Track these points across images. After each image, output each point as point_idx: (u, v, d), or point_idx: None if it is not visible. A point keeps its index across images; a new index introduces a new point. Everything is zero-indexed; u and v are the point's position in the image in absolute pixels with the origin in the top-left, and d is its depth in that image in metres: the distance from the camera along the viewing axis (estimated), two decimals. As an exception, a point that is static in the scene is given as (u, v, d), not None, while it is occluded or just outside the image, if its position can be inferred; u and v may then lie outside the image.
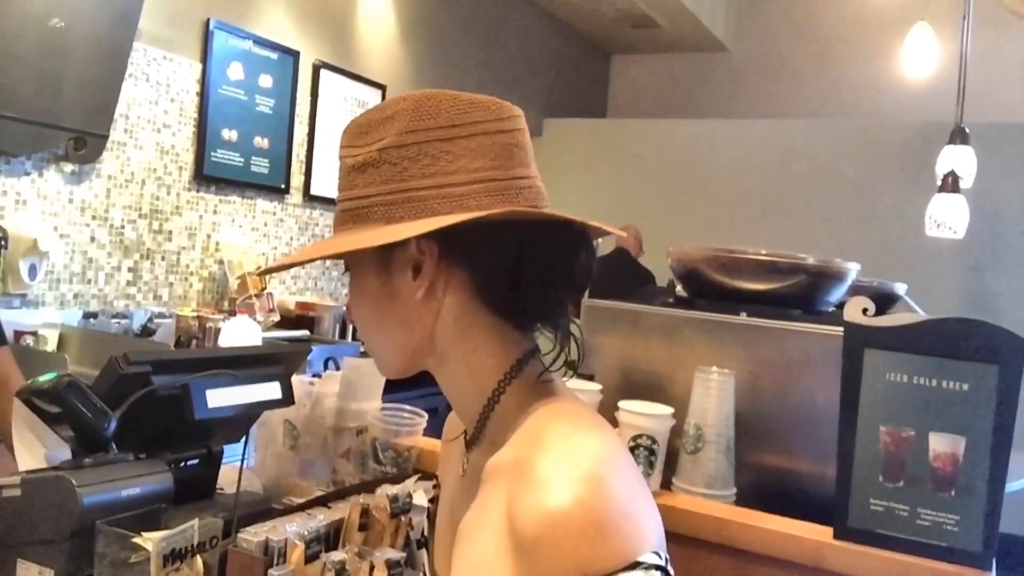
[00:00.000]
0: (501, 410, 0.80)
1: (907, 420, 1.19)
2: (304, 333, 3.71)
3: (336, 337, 3.83)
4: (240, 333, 3.19)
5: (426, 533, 0.95)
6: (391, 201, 0.76)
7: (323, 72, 4.11)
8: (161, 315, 3.24)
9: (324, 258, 0.82)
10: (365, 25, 4.42)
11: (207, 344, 3.11)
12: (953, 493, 1.16)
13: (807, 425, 1.46)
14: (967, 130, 3.53)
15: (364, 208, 0.78)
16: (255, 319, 3.43)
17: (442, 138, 0.76)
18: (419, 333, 0.81)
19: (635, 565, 0.66)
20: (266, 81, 3.79)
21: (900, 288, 2.29)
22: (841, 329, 1.29)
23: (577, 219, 0.78)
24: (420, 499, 1.24)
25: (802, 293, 1.65)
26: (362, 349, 3.82)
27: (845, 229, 5.01)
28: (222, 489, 1.42)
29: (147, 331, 3.11)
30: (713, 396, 1.43)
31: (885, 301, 2.14)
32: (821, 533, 1.21)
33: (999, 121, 4.66)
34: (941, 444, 1.17)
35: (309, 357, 2.05)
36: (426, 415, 1.47)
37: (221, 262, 3.66)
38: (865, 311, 1.24)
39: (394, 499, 1.16)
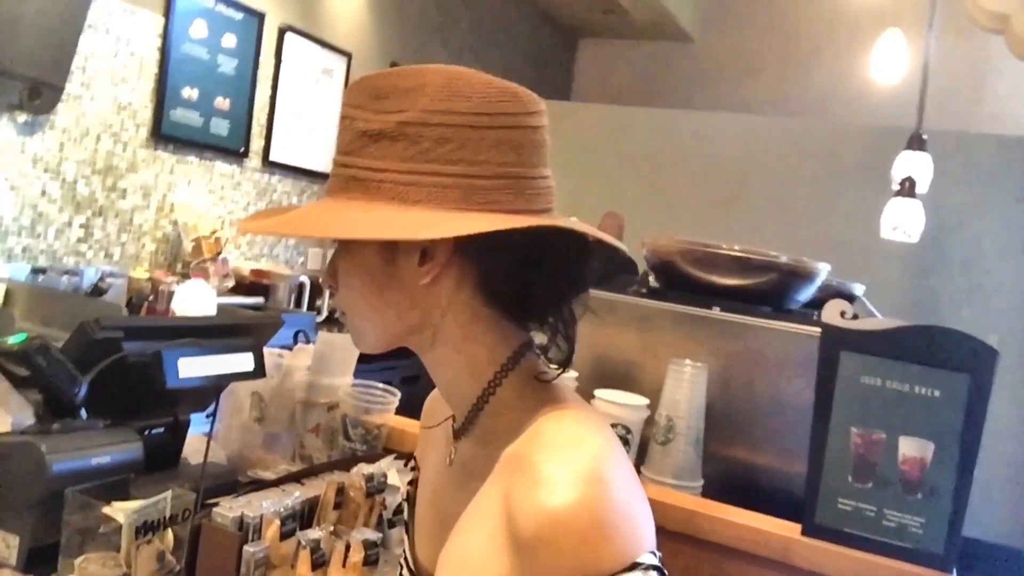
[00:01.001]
0: (496, 402, 0.79)
1: (878, 423, 1.21)
2: (259, 300, 3.64)
3: (291, 306, 3.77)
4: (194, 297, 3.11)
5: (406, 517, 0.94)
6: (409, 181, 0.72)
7: (288, 35, 4.02)
8: (112, 274, 3.15)
9: (335, 237, 0.77)
10: (334, -10, 4.33)
11: (159, 307, 3.03)
12: (919, 496, 1.18)
13: (775, 421, 1.48)
14: (925, 137, 3.60)
15: (377, 181, 0.73)
16: (209, 284, 3.36)
17: (472, 124, 0.73)
18: (414, 317, 0.78)
19: (634, 566, 0.65)
20: (229, 41, 3.69)
21: (858, 289, 2.34)
22: (813, 328, 1.30)
23: (598, 235, 0.76)
24: (394, 479, 1.23)
25: (772, 290, 1.67)
26: (318, 319, 3.79)
27: (803, 227, 5.09)
28: (186, 459, 1.39)
29: (98, 290, 3.02)
30: (685, 388, 1.44)
31: (843, 300, 2.19)
32: (789, 529, 1.23)
33: (954, 129, 4.77)
34: (910, 448, 1.19)
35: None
36: (399, 393, 1.46)
37: (176, 223, 3.57)
38: (843, 314, 1.25)
39: (369, 478, 1.15)
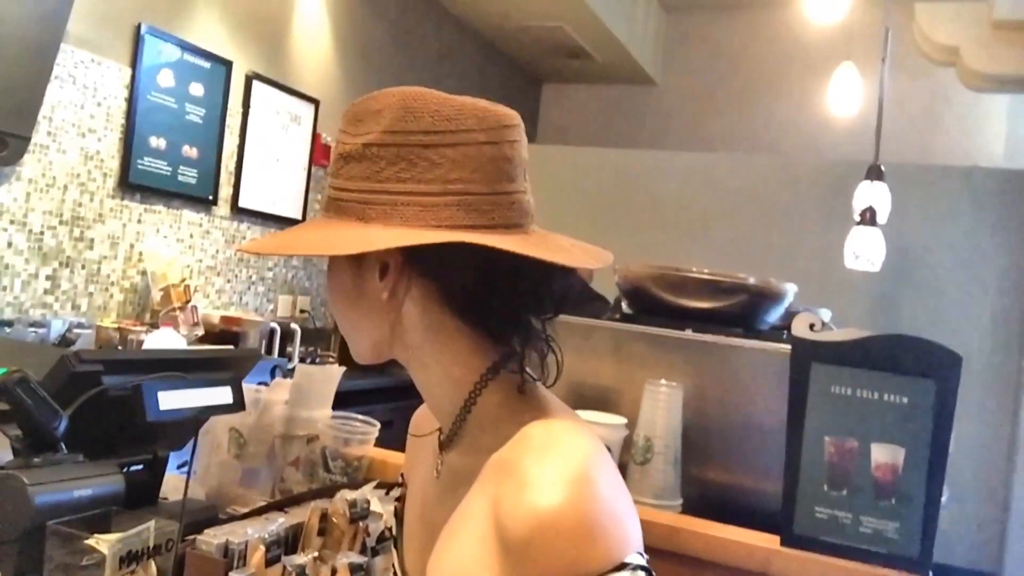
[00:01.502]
0: (479, 412, 0.80)
1: (851, 431, 1.24)
2: (229, 348, 3.61)
3: (262, 353, 3.75)
4: (163, 346, 3.09)
5: (394, 532, 0.94)
6: (365, 200, 0.76)
7: (256, 83, 4.05)
8: (80, 325, 3.13)
9: (302, 255, 0.82)
10: (299, 38, 4.38)
11: (129, 356, 3.00)
12: (893, 501, 1.21)
13: (750, 438, 1.51)
14: (883, 168, 3.70)
15: (343, 200, 0.78)
16: (179, 332, 3.34)
17: (423, 143, 0.75)
18: (385, 330, 0.81)
19: (622, 566, 0.66)
20: (197, 90, 3.71)
21: (825, 314, 2.38)
22: (784, 347, 1.34)
23: (532, 255, 0.74)
24: (377, 506, 1.23)
25: (743, 312, 1.71)
26: (290, 367, 3.77)
27: (768, 260, 5.17)
28: (166, 498, 1.38)
29: (66, 341, 2.99)
30: (661, 409, 1.46)
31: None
32: (769, 541, 1.25)
33: (910, 161, 4.91)
34: (882, 454, 1.22)
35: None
36: (378, 425, 1.46)
37: (144, 273, 3.55)
38: (812, 327, 1.29)
39: (353, 504, 1.15)
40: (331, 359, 4.43)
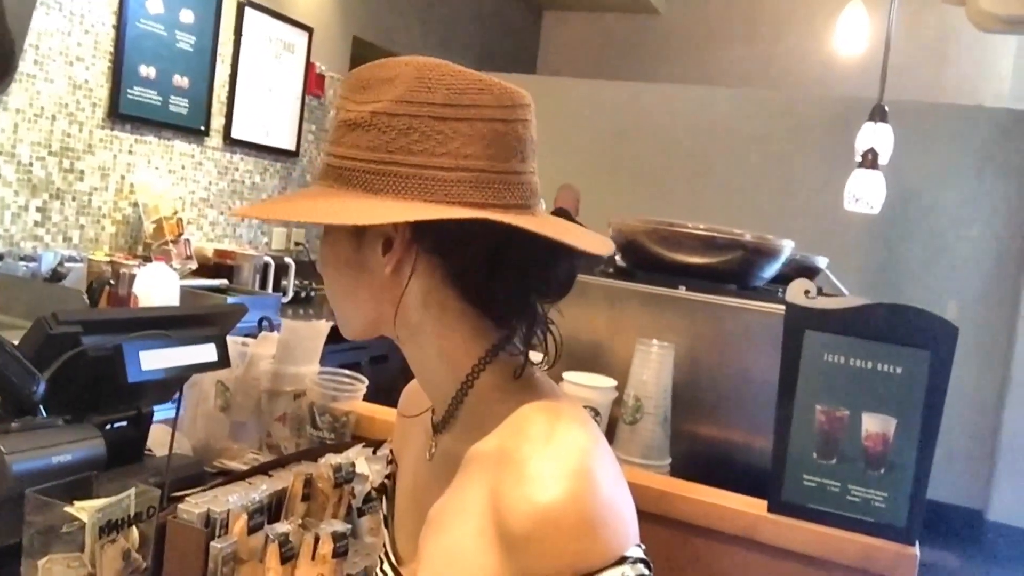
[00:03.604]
0: (475, 395, 0.78)
1: (842, 400, 1.23)
2: (223, 282, 3.60)
3: (256, 287, 3.73)
4: (156, 280, 3.07)
5: (384, 511, 0.93)
6: (373, 171, 0.73)
7: (248, 10, 3.94)
8: (72, 259, 3.10)
9: (300, 222, 0.79)
10: (293, -37, 4.25)
11: (121, 291, 2.98)
12: (882, 471, 1.20)
13: (741, 398, 1.50)
14: (886, 108, 3.63)
15: (347, 170, 0.74)
16: (171, 266, 3.31)
17: (436, 116, 0.72)
18: (385, 305, 0.79)
19: (622, 560, 0.66)
20: (187, 16, 3.61)
21: (821, 261, 2.36)
22: (778, 306, 1.31)
23: (549, 236, 0.73)
24: (363, 467, 1.22)
25: (738, 269, 1.68)
26: (284, 300, 3.75)
27: (767, 199, 5.13)
28: (150, 451, 1.38)
29: (57, 275, 2.97)
30: (652, 368, 1.45)
31: (807, 274, 2.21)
32: (755, 506, 1.25)
33: (914, 99, 4.82)
34: (873, 424, 1.21)
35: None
36: (366, 380, 1.45)
37: (136, 205, 3.51)
38: (807, 293, 1.26)
39: (337, 468, 1.14)
40: (324, 292, 4.42)
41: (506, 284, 0.76)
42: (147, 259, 3.30)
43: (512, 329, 0.79)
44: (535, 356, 0.81)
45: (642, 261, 1.68)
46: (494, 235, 0.72)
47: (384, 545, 0.88)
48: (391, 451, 0.99)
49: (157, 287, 3.03)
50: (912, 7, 4.21)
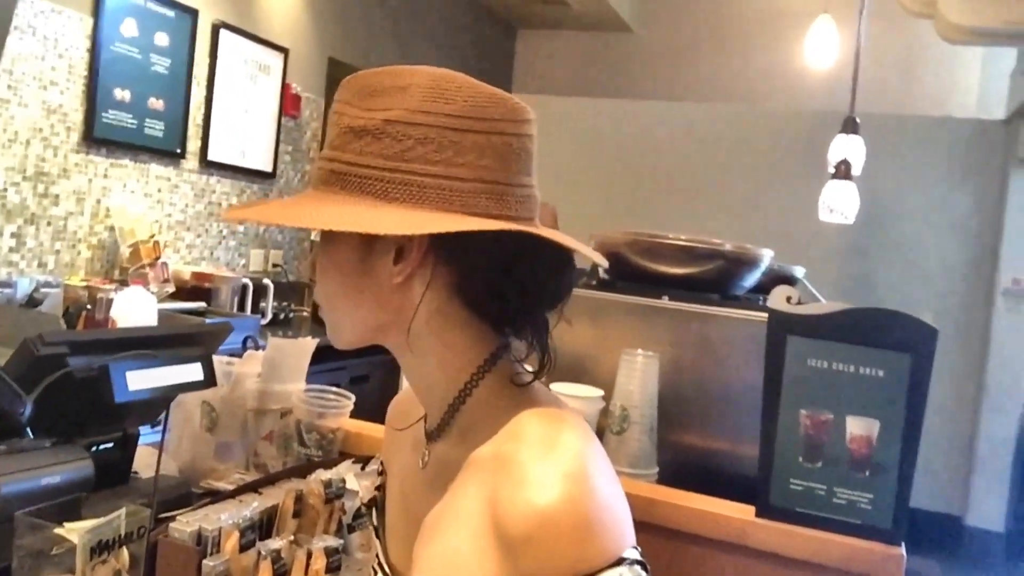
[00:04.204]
0: (472, 404, 0.78)
1: (826, 404, 1.24)
2: (201, 305, 3.57)
3: (234, 310, 3.71)
4: (134, 305, 3.04)
5: (375, 522, 0.93)
6: (389, 179, 0.73)
7: (223, 32, 3.94)
8: (48, 284, 3.07)
9: (306, 227, 0.78)
10: (267, -14, 4.26)
11: (98, 315, 2.96)
12: (867, 473, 1.22)
13: (726, 406, 1.51)
14: (858, 120, 3.69)
15: (357, 177, 0.74)
16: (149, 290, 3.28)
17: (453, 127, 0.73)
18: (387, 315, 0.78)
19: (620, 561, 0.67)
20: (162, 39, 3.60)
21: (799, 271, 2.39)
22: (759, 314, 1.33)
23: (571, 245, 0.76)
24: (352, 483, 1.22)
25: (718, 278, 1.70)
26: (263, 322, 3.73)
27: (743, 212, 5.18)
28: (136, 473, 1.37)
29: (33, 301, 2.94)
30: (638, 378, 1.46)
31: (785, 283, 2.24)
32: (744, 512, 1.26)
33: (884, 111, 4.90)
34: (857, 427, 1.23)
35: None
36: (353, 397, 1.45)
37: (112, 229, 3.48)
38: (788, 299, 1.28)
39: (328, 484, 1.14)
40: (305, 313, 4.40)
41: (514, 294, 0.77)
42: (124, 283, 3.28)
43: (510, 337, 0.80)
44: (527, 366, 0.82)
45: (624, 272, 1.70)
46: (507, 246, 0.74)
47: (377, 556, 0.88)
48: (381, 463, 0.99)
49: (135, 311, 3.01)
50: (880, 20, 4.29)
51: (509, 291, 0.77)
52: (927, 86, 5.55)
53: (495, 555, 0.68)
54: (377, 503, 0.95)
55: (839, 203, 3.53)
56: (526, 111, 0.78)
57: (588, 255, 0.79)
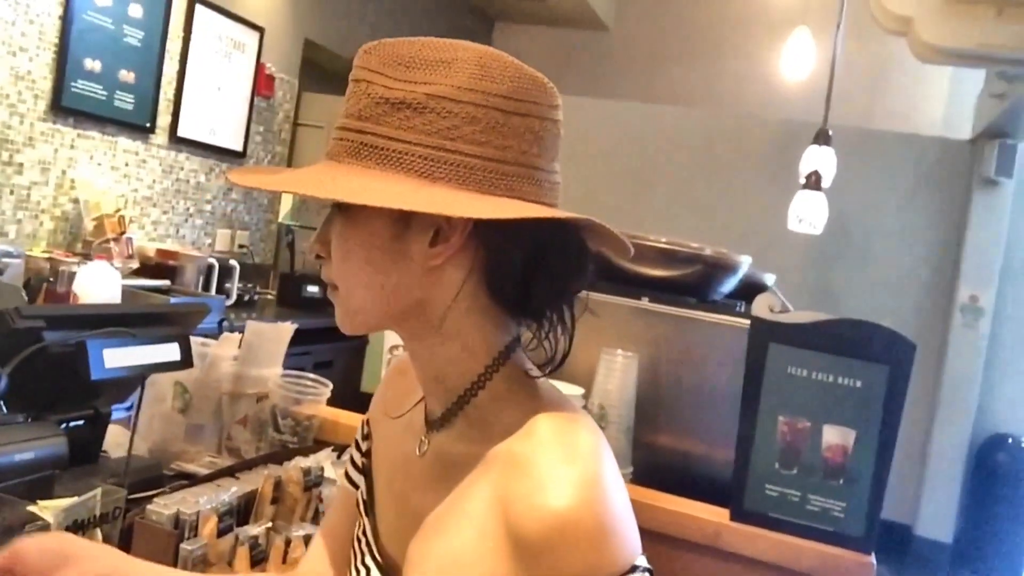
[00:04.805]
0: (485, 397, 0.76)
1: (804, 412, 1.26)
2: (165, 283, 3.51)
3: (199, 289, 3.65)
4: (97, 280, 2.98)
5: (364, 495, 0.89)
6: (433, 157, 0.69)
7: (198, 7, 3.87)
8: (8, 254, 2.98)
9: (360, 203, 0.69)
10: (246, -38, 4.19)
11: (60, 289, 2.89)
12: (841, 482, 1.24)
13: (701, 408, 1.52)
14: (830, 132, 3.74)
15: (397, 152, 0.70)
16: (112, 265, 3.22)
17: (501, 108, 0.71)
18: (413, 300, 0.75)
19: (633, 569, 0.66)
20: (136, 11, 3.53)
21: (770, 279, 2.41)
22: (738, 320, 1.34)
23: (618, 234, 0.76)
24: (331, 472, 1.21)
25: (697, 282, 1.71)
26: (228, 303, 3.68)
27: (713, 217, 5.22)
28: (105, 452, 1.34)
29: (-8, 271, 2.86)
30: (617, 377, 1.46)
31: (758, 290, 2.26)
32: (718, 514, 1.27)
33: (853, 124, 4.97)
34: (833, 436, 1.25)
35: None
36: (330, 384, 1.43)
37: (76, 201, 3.40)
38: (771, 308, 1.29)
39: (307, 472, 1.13)
40: (269, 296, 4.35)
41: (543, 283, 0.75)
42: (87, 257, 3.21)
43: (529, 326, 0.78)
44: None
45: (605, 272, 1.70)
46: (543, 233, 0.72)
47: (365, 534, 0.85)
48: (366, 423, 0.95)
49: (98, 286, 2.94)
50: (854, 35, 4.36)
51: (539, 279, 0.74)
52: (895, 103, 5.65)
53: (505, 557, 0.66)
54: (366, 472, 0.91)
55: (808, 213, 3.58)
56: (558, 95, 0.76)
57: (623, 243, 0.78)
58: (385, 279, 0.74)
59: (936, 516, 4.90)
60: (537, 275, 0.74)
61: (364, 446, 0.95)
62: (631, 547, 0.67)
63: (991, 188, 4.88)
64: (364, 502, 0.89)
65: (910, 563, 4.80)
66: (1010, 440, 4.90)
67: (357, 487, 0.92)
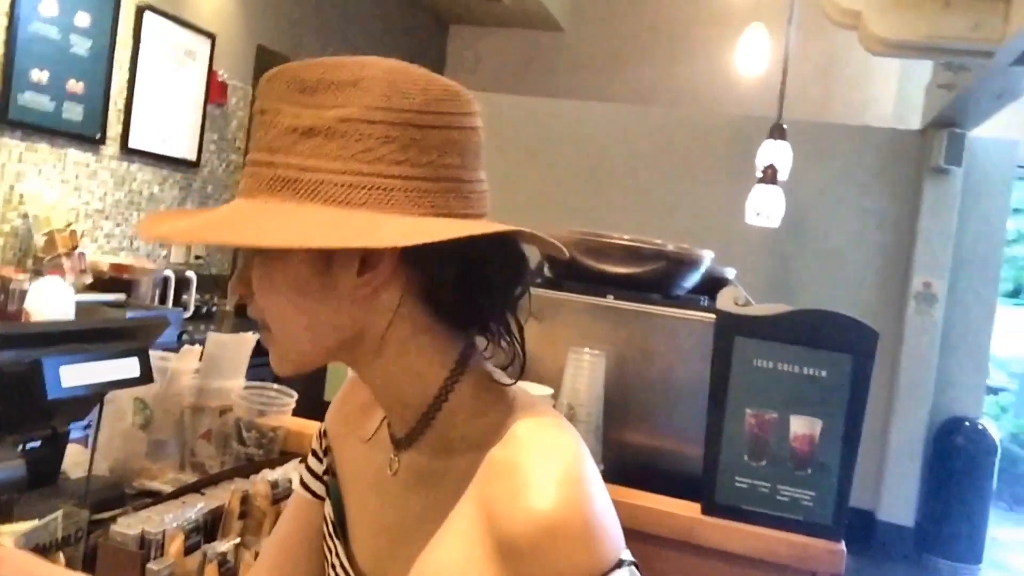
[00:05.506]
0: (449, 410, 0.74)
1: (771, 403, 1.27)
2: (120, 297, 3.44)
3: (155, 302, 3.59)
4: (49, 296, 2.91)
5: (332, 516, 0.87)
6: (350, 183, 0.67)
7: (147, 15, 3.80)
8: (-45, 273, 2.90)
9: (273, 247, 0.67)
10: (194, -31, 4.13)
11: (11, 307, 2.82)
12: (809, 471, 1.25)
13: (670, 404, 1.53)
14: (785, 126, 3.79)
15: (312, 183, 0.67)
16: (65, 280, 3.15)
17: (415, 124, 0.68)
18: (349, 332, 0.72)
19: (620, 564, 0.66)
20: (83, 20, 3.45)
21: (730, 272, 2.43)
22: (702, 314, 1.35)
23: (550, 240, 0.74)
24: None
25: (661, 278, 1.72)
26: (186, 315, 3.62)
27: (672, 214, 5.26)
28: (63, 472, 1.30)
29: (-61, 291, 2.78)
30: (585, 376, 1.46)
31: (719, 284, 2.28)
32: (690, 509, 1.27)
33: (806, 119, 5.04)
34: (800, 426, 1.26)
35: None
36: (295, 394, 1.41)
37: (26, 216, 3.32)
38: (736, 301, 1.30)
39: (275, 485, 1.11)
40: (227, 308, 4.29)
41: (483, 294, 0.74)
42: (38, 273, 3.13)
43: (475, 337, 0.77)
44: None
45: (570, 271, 1.70)
46: (477, 245, 0.69)
47: (339, 557, 0.83)
48: (323, 434, 0.92)
49: (50, 303, 2.88)
50: (805, 30, 4.41)
51: (478, 292, 0.73)
52: (847, 96, 5.74)
53: (493, 563, 0.66)
54: (331, 491, 0.88)
55: (766, 207, 3.62)
56: (473, 101, 0.74)
57: (557, 247, 0.76)
58: (315, 317, 0.72)
59: (898, 501, 4.99)
60: (475, 288, 0.73)
61: (325, 461, 0.92)
62: (616, 543, 0.67)
63: (941, 177, 4.98)
64: (334, 524, 0.86)
65: (874, 548, 4.88)
66: (967, 423, 5.00)
67: (318, 497, 0.90)
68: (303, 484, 0.93)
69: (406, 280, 0.72)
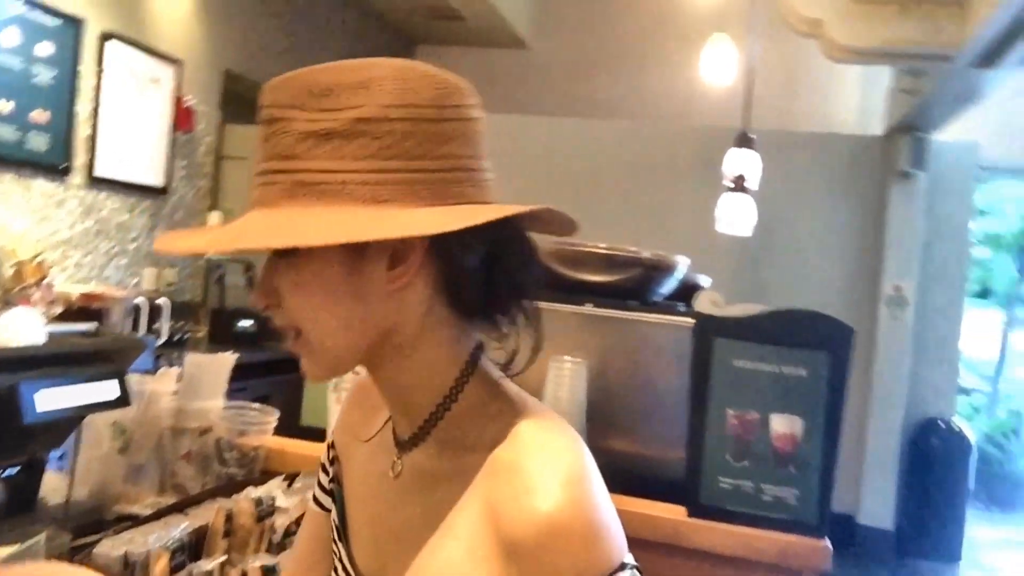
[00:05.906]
0: (459, 410, 0.74)
1: (752, 403, 1.28)
2: (91, 326, 3.39)
3: (128, 331, 3.54)
4: (19, 325, 2.86)
5: (336, 520, 0.86)
6: (376, 180, 0.68)
7: (111, 43, 3.78)
8: (-79, 307, 2.85)
9: (309, 245, 0.67)
10: (158, -5, 4.11)
11: (-20, 339, 2.77)
12: (792, 469, 1.26)
13: (651, 409, 1.53)
14: (752, 136, 3.83)
15: (337, 183, 0.68)
16: (35, 311, 3.10)
17: (428, 118, 0.70)
18: (380, 329, 0.72)
19: (623, 567, 0.66)
20: (45, 49, 3.43)
21: (705, 281, 2.45)
22: (680, 319, 1.36)
23: (571, 217, 0.76)
24: (282, 500, 1.18)
25: (638, 285, 1.73)
26: (159, 343, 3.58)
27: (644, 225, 5.28)
28: (43, 499, 1.28)
29: (-95, 325, 2.73)
30: (566, 385, 1.46)
31: (693, 292, 2.30)
32: (676, 512, 1.28)
33: (771, 127, 5.11)
34: (781, 425, 1.27)
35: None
36: (277, 412, 1.40)
37: (-8, 248, 3.28)
38: (714, 303, 1.31)
39: (259, 502, 1.10)
40: (200, 334, 4.25)
41: (504, 284, 0.74)
42: (8, 304, 3.09)
43: (487, 332, 0.77)
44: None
45: (548, 281, 1.70)
46: (498, 233, 0.71)
47: (342, 560, 0.83)
48: (331, 446, 0.92)
49: (20, 332, 2.83)
50: (768, 39, 4.48)
51: (497, 279, 0.73)
52: (811, 103, 5.83)
53: (497, 562, 0.66)
54: (337, 498, 0.88)
55: (736, 215, 3.65)
56: (475, 93, 0.76)
57: (570, 221, 0.78)
58: (349, 316, 0.72)
59: (877, 504, 5.03)
60: (494, 275, 0.74)
61: (331, 471, 0.92)
62: (619, 545, 0.67)
63: (906, 181, 5.06)
64: (337, 528, 0.87)
65: (856, 553, 4.90)
66: (941, 424, 5.06)
67: (328, 510, 0.90)
68: (315, 499, 0.93)
69: (434, 272, 0.72)
